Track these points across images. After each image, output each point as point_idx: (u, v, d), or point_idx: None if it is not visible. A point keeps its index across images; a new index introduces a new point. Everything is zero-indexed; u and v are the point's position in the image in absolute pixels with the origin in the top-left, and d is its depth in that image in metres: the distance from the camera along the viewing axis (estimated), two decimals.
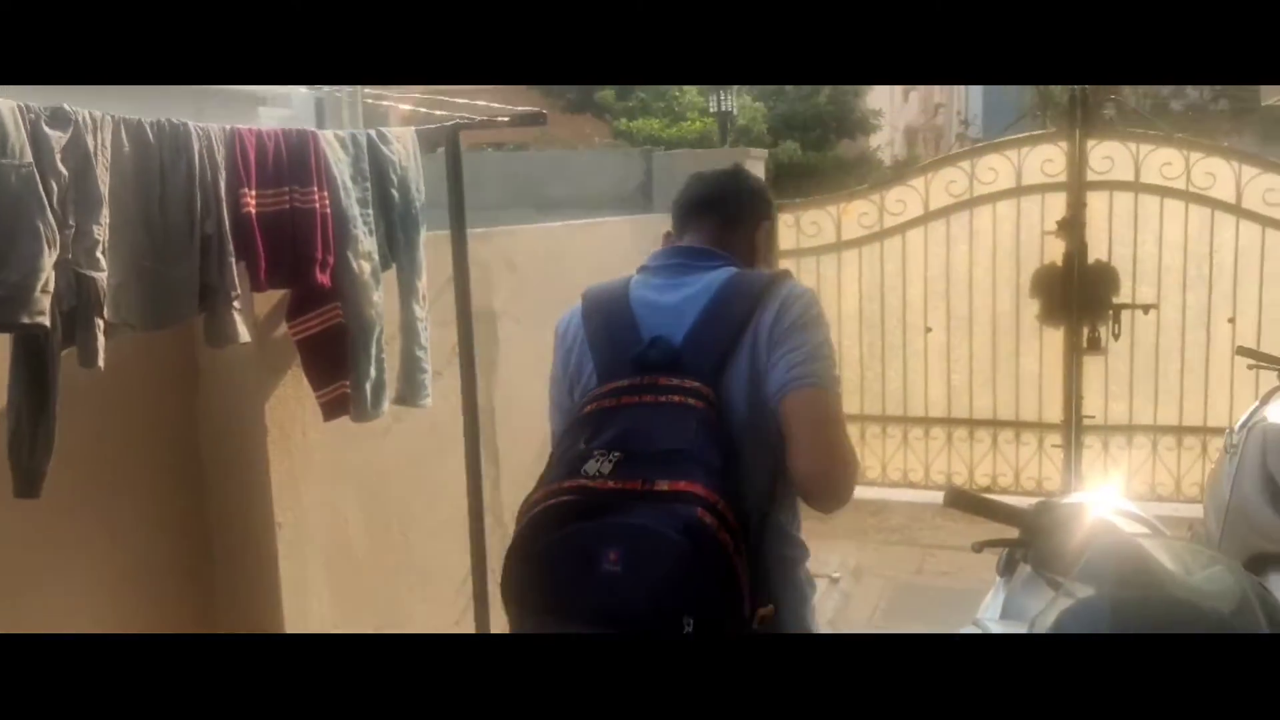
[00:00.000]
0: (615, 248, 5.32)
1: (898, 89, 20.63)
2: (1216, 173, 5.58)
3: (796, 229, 6.36)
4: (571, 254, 4.86)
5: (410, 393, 3.24)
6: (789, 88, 15.00)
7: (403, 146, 3.11)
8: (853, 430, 6.36)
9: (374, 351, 2.99)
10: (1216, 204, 5.58)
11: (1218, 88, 20.47)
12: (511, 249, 4.38)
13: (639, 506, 1.66)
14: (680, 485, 1.66)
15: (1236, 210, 5.55)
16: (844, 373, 6.31)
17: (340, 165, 2.86)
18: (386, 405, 3.14)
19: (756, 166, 6.38)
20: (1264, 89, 2.47)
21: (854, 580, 5.17)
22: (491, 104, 3.39)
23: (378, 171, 3.01)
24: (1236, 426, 4.16)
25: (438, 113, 3.17)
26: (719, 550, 1.63)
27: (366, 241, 2.93)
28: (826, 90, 14.87)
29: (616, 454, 1.73)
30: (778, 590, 1.84)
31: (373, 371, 3.00)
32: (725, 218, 2.12)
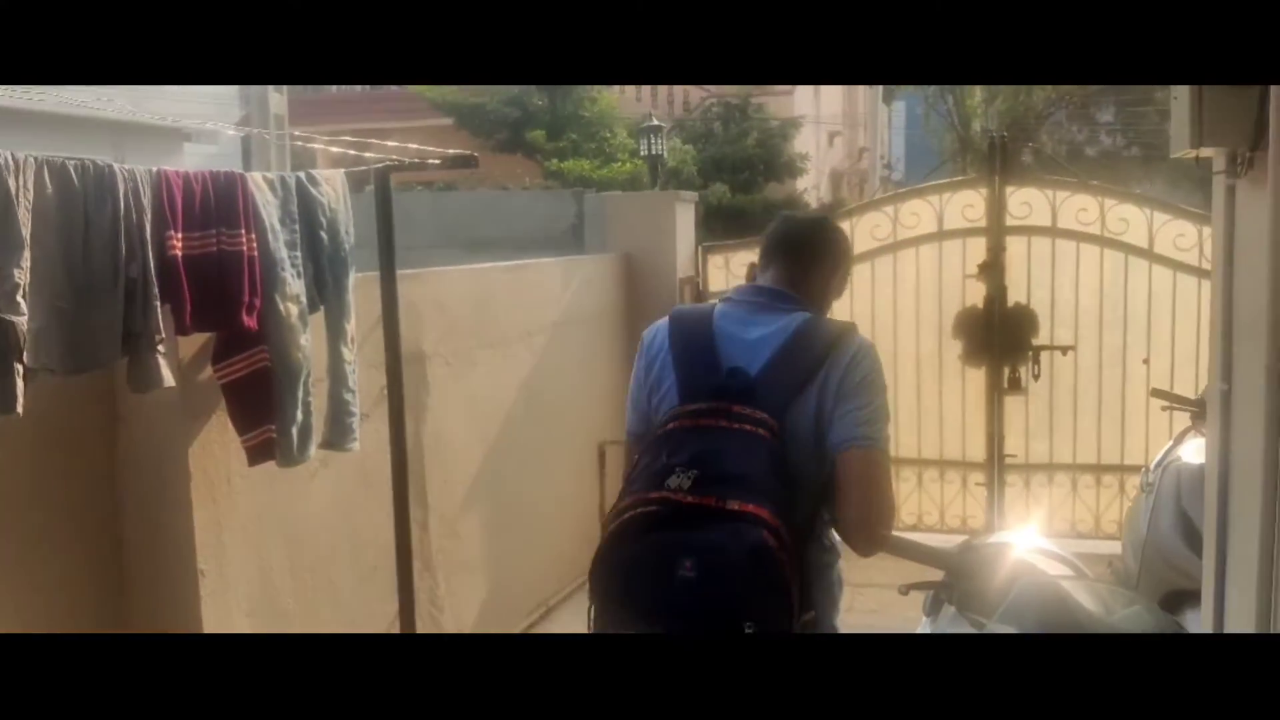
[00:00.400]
0: (546, 289, 5.34)
1: (824, 133, 21.02)
2: (1130, 218, 5.77)
3: (726, 270, 6.43)
4: (502, 295, 4.86)
5: (338, 436, 3.20)
6: (719, 131, 15.21)
7: (332, 188, 3.10)
8: None
9: (301, 395, 2.96)
10: (1130, 249, 5.77)
11: (1130, 136, 21.22)
12: (441, 290, 4.37)
13: (712, 522, 1.91)
14: (749, 507, 1.91)
15: (1149, 255, 5.74)
16: None
17: (269, 207, 2.84)
18: (313, 450, 3.10)
19: (686, 209, 6.45)
20: (1172, 141, 2.57)
21: None
22: (422, 146, 3.40)
23: (306, 214, 2.99)
24: (1152, 465, 4.28)
25: (367, 155, 3.16)
26: (778, 569, 1.90)
27: (294, 284, 2.91)
28: (754, 134, 15.09)
29: (694, 471, 1.96)
30: (816, 594, 2.11)
31: (299, 415, 2.97)
32: (805, 263, 2.32)
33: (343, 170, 3.23)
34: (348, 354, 3.18)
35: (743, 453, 2.00)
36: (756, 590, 1.89)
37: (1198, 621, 2.89)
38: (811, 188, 17.98)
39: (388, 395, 3.65)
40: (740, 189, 14.55)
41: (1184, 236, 5.65)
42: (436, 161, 3.37)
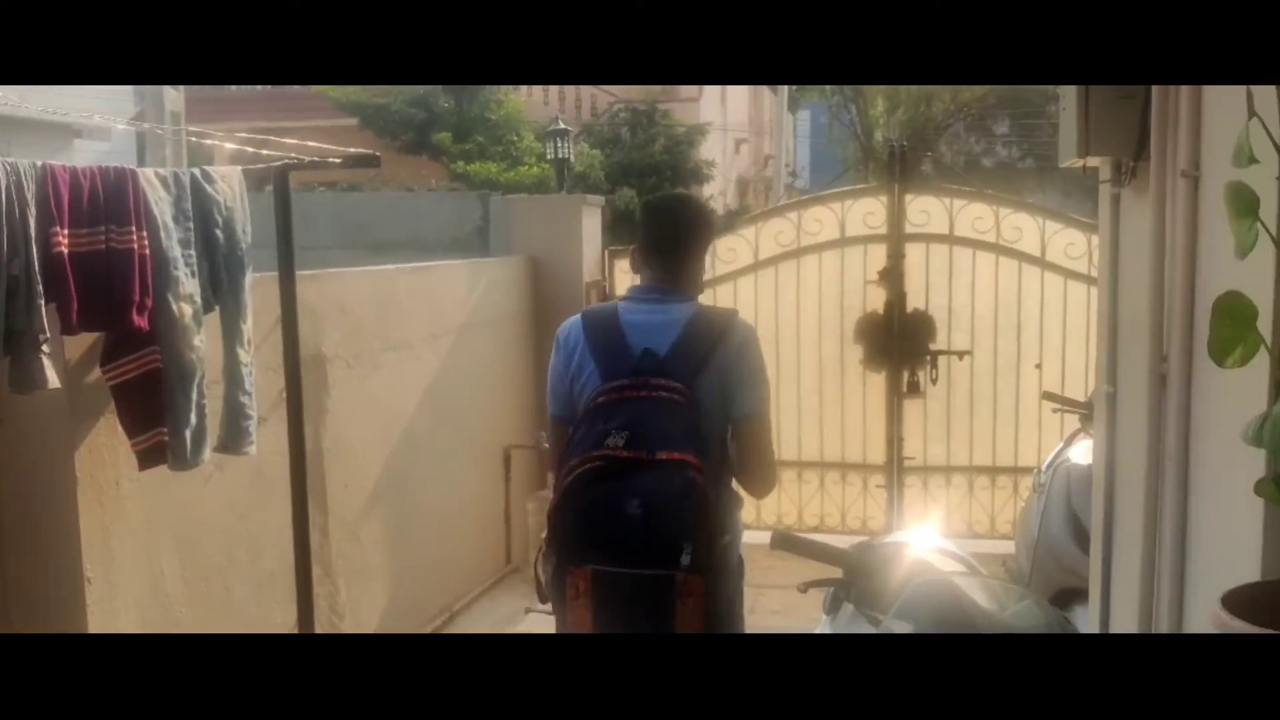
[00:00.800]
0: (451, 291, 5.29)
1: (730, 140, 21.25)
2: (1023, 227, 5.95)
3: (632, 275, 6.44)
4: (405, 297, 4.80)
5: (233, 440, 3.12)
6: (626, 136, 15.26)
7: (228, 186, 3.03)
8: None
9: (194, 397, 2.88)
10: (1024, 256, 5.95)
11: (1024, 148, 21.88)
12: (343, 292, 4.30)
13: (647, 470, 2.41)
14: (675, 455, 2.42)
15: (1041, 263, 5.93)
16: None
17: (161, 204, 2.76)
18: (207, 453, 3.02)
19: (593, 213, 6.46)
20: (1061, 151, 2.67)
21: None
22: (323, 145, 3.34)
23: (201, 211, 2.92)
24: (1044, 467, 4.42)
25: (264, 152, 3.09)
26: (705, 500, 2.41)
27: (188, 283, 2.83)
28: (661, 140, 15.19)
29: (626, 433, 2.45)
30: (729, 523, 2.62)
31: (193, 418, 2.89)
32: (680, 258, 2.77)
33: (240, 168, 3.16)
34: (244, 355, 3.11)
35: (664, 415, 2.49)
36: (690, 519, 2.39)
37: (1086, 617, 2.99)
38: (718, 194, 18.14)
39: (286, 398, 3.57)
40: (647, 194, 14.60)
41: (1074, 245, 5.85)
42: (337, 161, 3.30)
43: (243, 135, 2.98)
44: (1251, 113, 1.40)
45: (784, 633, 1.45)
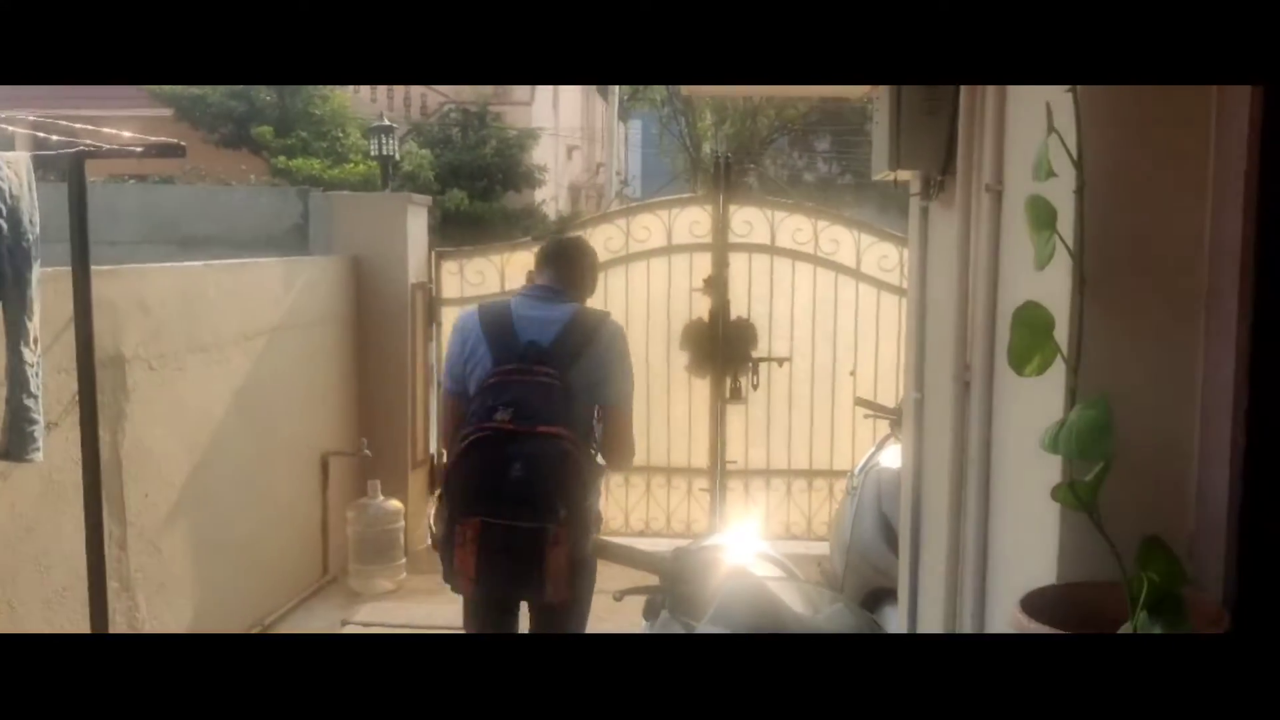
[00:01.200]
0: (265, 290, 5.07)
1: (562, 146, 21.27)
2: (840, 240, 6.15)
3: (460, 277, 6.35)
4: (215, 296, 4.57)
5: (17, 446, 2.89)
6: (457, 138, 15.05)
7: (14, 173, 2.80)
8: None
9: None
10: (840, 268, 6.15)
11: (844, 164, 22.70)
12: (144, 289, 4.05)
13: (528, 440, 2.92)
14: (552, 429, 2.94)
15: (856, 274, 6.14)
16: None
17: None
18: None
19: (419, 212, 6.32)
20: (873, 165, 2.75)
21: None
22: (123, 132, 3.13)
23: None
24: (856, 470, 4.55)
25: (54, 138, 2.88)
26: (576, 466, 2.95)
27: None
28: (493, 142, 15.06)
29: (512, 409, 2.94)
30: (592, 486, 3.08)
31: None
32: (570, 269, 3.32)
33: (28, 154, 2.93)
34: (29, 355, 2.88)
35: (543, 396, 2.98)
36: (562, 481, 2.91)
37: (896, 617, 3.09)
38: (550, 199, 18.13)
39: (79, 401, 3.34)
40: (479, 196, 14.47)
41: (887, 258, 6.07)
42: (138, 150, 3.10)
43: (31, 119, 2.76)
44: (1050, 128, 1.45)
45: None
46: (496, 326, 3.13)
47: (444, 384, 3.27)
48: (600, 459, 3.16)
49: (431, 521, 3.17)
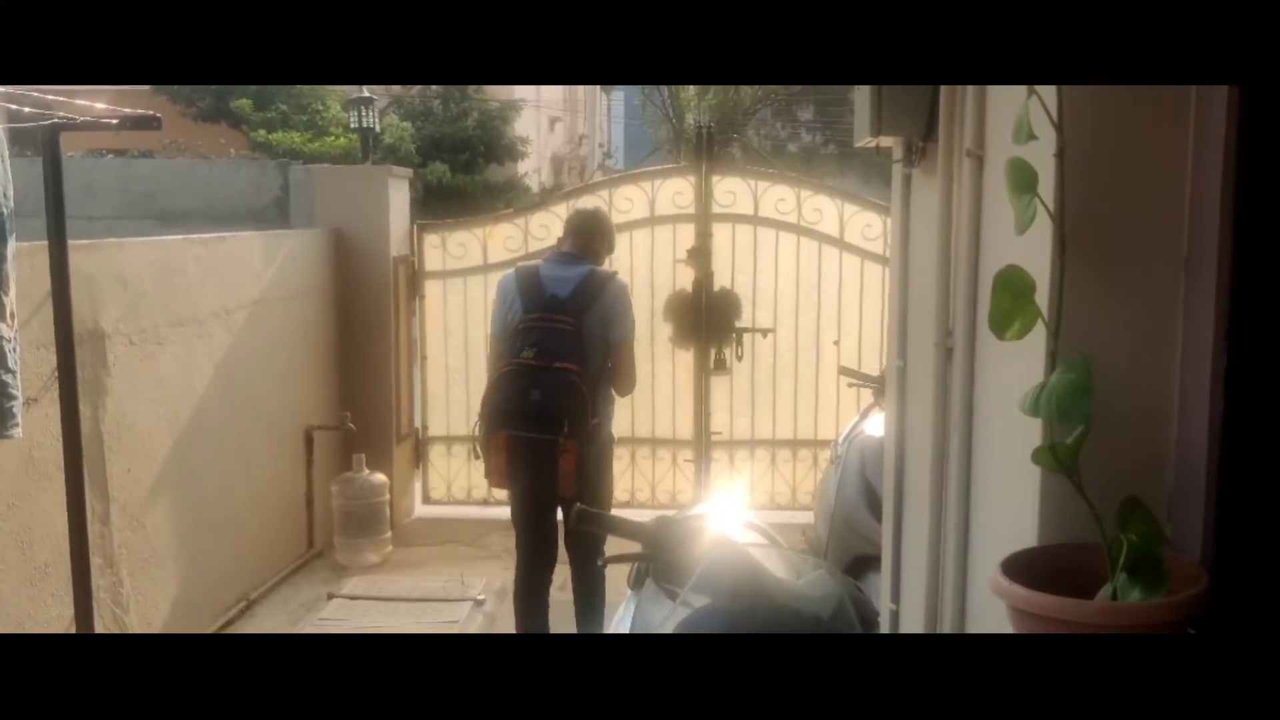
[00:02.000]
0: (246, 264, 5.04)
1: (545, 118, 21.12)
2: (823, 209, 6.14)
3: (443, 250, 6.32)
4: (194, 270, 4.54)
5: None
6: (438, 110, 14.93)
7: None
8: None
9: None
10: (823, 237, 6.15)
11: (827, 134, 22.65)
12: (123, 264, 4.02)
13: (547, 373, 3.81)
14: (565, 365, 3.82)
15: (840, 244, 6.14)
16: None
17: None
18: None
19: (400, 185, 6.28)
20: (855, 132, 2.73)
21: (498, 601, 5.17)
22: (97, 104, 3.10)
23: None
24: (840, 439, 4.56)
25: (27, 110, 2.84)
26: (581, 393, 3.81)
27: None
28: (475, 115, 14.94)
29: (535, 349, 3.84)
30: (603, 411, 4.02)
31: None
32: (587, 237, 4.20)
33: (1, 126, 2.89)
34: (6, 330, 2.85)
35: (560, 338, 3.86)
36: (571, 404, 3.80)
37: (879, 584, 3.10)
38: (533, 171, 18.04)
39: (59, 377, 3.32)
40: (460, 169, 14.38)
41: (870, 227, 6.07)
42: (113, 121, 3.06)
43: (5, 92, 2.72)
44: (1031, 91, 1.45)
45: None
46: (528, 283, 4.00)
47: (491, 331, 4.14)
48: (613, 389, 4.05)
49: (474, 433, 4.05)
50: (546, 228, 6.24)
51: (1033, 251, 1.56)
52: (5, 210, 2.83)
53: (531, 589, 4.10)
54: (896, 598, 2.72)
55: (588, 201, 6.23)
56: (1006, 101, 1.79)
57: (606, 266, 4.28)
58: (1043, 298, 1.49)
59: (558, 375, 3.78)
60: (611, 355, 3.98)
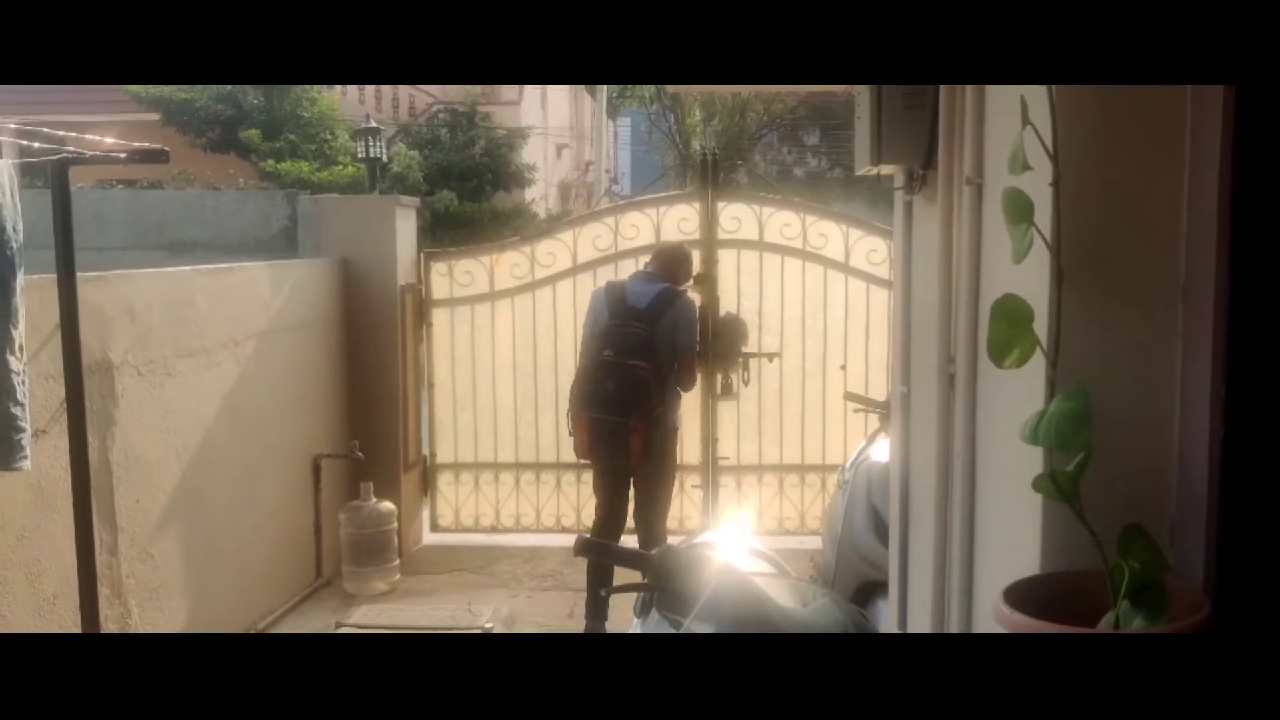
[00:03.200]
0: (253, 294, 5.07)
1: (551, 145, 21.23)
2: (828, 234, 6.16)
3: (450, 278, 6.35)
4: (202, 301, 4.56)
5: (4, 454, 2.89)
6: (445, 138, 15.02)
7: None
8: (508, 478, 6.40)
9: None
10: (829, 262, 6.16)
11: (833, 159, 22.71)
12: (131, 295, 4.05)
13: (622, 369, 4.67)
14: (638, 363, 4.68)
15: (845, 268, 6.15)
16: (498, 422, 6.29)
17: None
18: None
19: (408, 214, 6.32)
20: (856, 160, 2.78)
21: (506, 629, 5.16)
22: (106, 139, 3.13)
23: None
24: (847, 465, 4.56)
25: (37, 145, 2.87)
26: (648, 386, 4.68)
27: None
28: (482, 142, 15.01)
29: (614, 349, 4.70)
30: (670, 401, 4.85)
31: None
32: (665, 264, 5.06)
33: (8, 161, 2.92)
34: (15, 363, 2.88)
35: (634, 340, 4.71)
36: (640, 394, 4.65)
37: (887, 610, 3.10)
38: (540, 198, 18.10)
39: (67, 408, 3.33)
40: (468, 197, 14.43)
41: (876, 251, 6.08)
42: (122, 155, 3.10)
43: (13, 126, 2.76)
44: (1025, 121, 1.46)
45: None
46: (614, 296, 4.90)
47: (583, 332, 5.07)
48: (678, 386, 4.90)
49: (569, 417, 4.94)
50: (553, 255, 6.27)
51: (1032, 279, 1.57)
52: (15, 244, 2.86)
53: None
54: (903, 624, 2.72)
55: (592, 228, 6.30)
56: (1004, 131, 1.81)
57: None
58: (1041, 326, 1.49)
59: (631, 371, 4.66)
60: (677, 358, 4.82)
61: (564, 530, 6.35)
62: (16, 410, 2.90)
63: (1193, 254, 1.55)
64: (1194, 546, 1.55)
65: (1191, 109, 1.54)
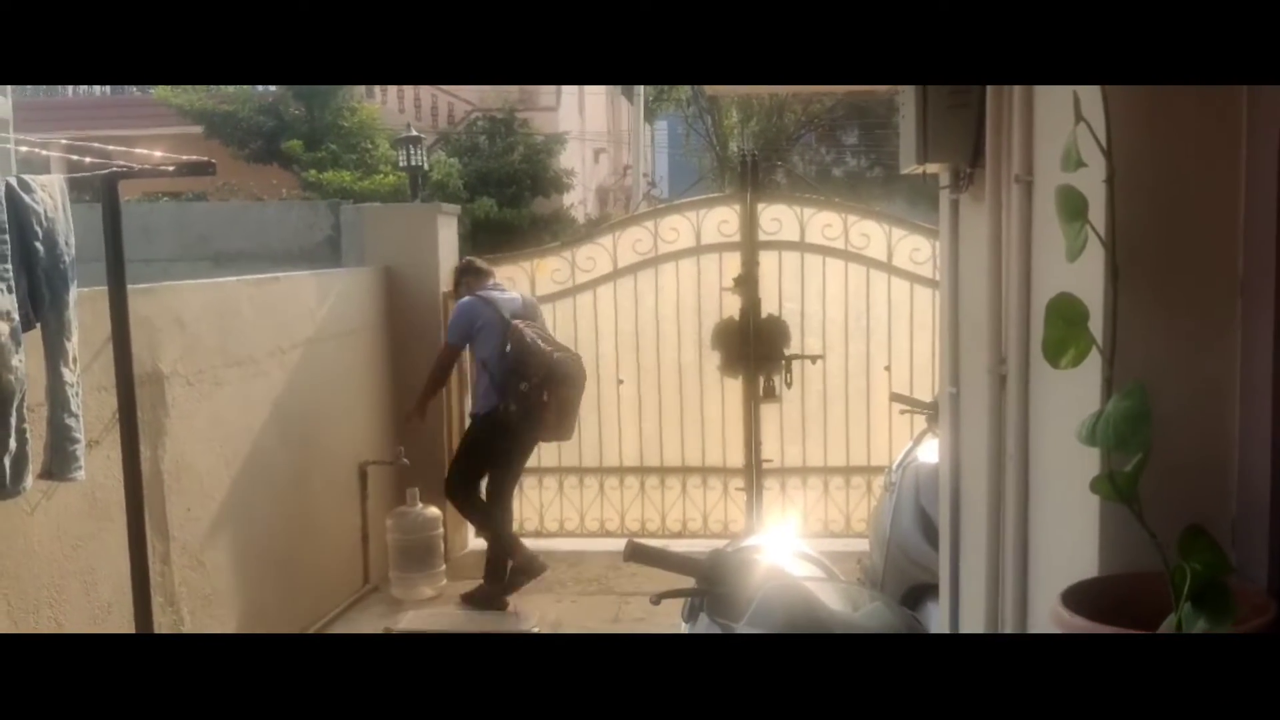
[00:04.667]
0: (299, 303, 5.12)
1: (589, 150, 21.28)
2: (870, 234, 6.11)
3: None
4: (249, 311, 4.61)
5: (59, 466, 2.93)
6: (484, 145, 15.10)
7: (49, 195, 2.84)
8: (551, 482, 6.42)
9: (14, 421, 2.69)
10: (871, 262, 6.11)
11: (873, 158, 22.57)
12: (180, 306, 4.10)
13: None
14: None
15: (888, 268, 6.10)
16: None
17: None
18: (30, 481, 2.82)
19: (449, 221, 6.35)
20: (901, 159, 2.74)
21: (552, 632, 5.17)
22: (154, 152, 3.18)
23: (18, 222, 2.73)
24: (894, 466, 4.51)
25: (87, 160, 2.92)
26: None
27: (4, 299, 2.64)
28: (520, 149, 15.08)
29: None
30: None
31: (13, 443, 2.69)
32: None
33: (61, 176, 2.97)
34: (69, 375, 2.92)
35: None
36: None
37: (938, 613, 3.06)
38: (578, 203, 18.14)
39: (119, 419, 3.38)
40: (507, 203, 14.48)
41: (919, 250, 6.03)
42: (169, 169, 3.14)
43: (64, 143, 2.80)
44: (1078, 118, 1.44)
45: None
46: (486, 306, 5.34)
47: (454, 340, 5.54)
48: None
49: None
50: (593, 259, 6.28)
51: (1085, 277, 1.54)
52: (67, 258, 2.90)
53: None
54: (955, 627, 2.69)
55: (632, 232, 6.31)
56: (1054, 127, 1.78)
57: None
58: (1096, 325, 1.47)
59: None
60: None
61: (607, 534, 6.35)
62: (71, 421, 2.95)
63: (1251, 247, 1.52)
64: (1257, 547, 1.52)
65: (1248, 101, 1.50)
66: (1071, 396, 1.69)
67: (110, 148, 3.01)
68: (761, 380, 5.99)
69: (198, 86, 13.65)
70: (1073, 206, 1.46)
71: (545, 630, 5.20)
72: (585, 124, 20.47)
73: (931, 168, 2.52)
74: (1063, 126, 1.52)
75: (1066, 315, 1.46)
